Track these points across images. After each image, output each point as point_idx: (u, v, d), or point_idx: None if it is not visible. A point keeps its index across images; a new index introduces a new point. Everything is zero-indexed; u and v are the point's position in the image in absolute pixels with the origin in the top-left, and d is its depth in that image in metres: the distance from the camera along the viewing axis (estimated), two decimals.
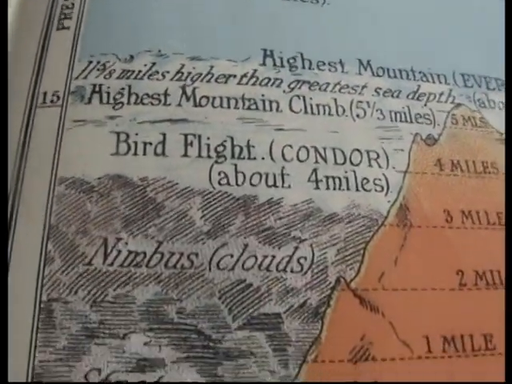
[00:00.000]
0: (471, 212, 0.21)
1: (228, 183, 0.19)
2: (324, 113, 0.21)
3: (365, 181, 0.20)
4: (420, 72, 0.23)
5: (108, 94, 0.20)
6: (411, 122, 0.21)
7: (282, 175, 0.19)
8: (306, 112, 0.21)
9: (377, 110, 0.21)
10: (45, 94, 0.20)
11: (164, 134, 0.19)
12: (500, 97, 0.23)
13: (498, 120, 0.23)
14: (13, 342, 0.17)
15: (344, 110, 0.21)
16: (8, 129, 0.19)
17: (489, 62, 0.24)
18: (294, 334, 0.18)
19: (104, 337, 0.17)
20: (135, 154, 0.19)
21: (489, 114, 0.22)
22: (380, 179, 0.20)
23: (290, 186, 0.19)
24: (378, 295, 0.19)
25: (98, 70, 0.20)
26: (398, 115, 0.21)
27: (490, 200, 0.21)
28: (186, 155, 0.19)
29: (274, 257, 0.18)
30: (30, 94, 0.20)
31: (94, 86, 0.20)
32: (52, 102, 0.20)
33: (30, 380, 0.16)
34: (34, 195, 0.18)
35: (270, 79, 0.21)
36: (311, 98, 0.21)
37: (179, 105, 0.20)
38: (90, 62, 0.20)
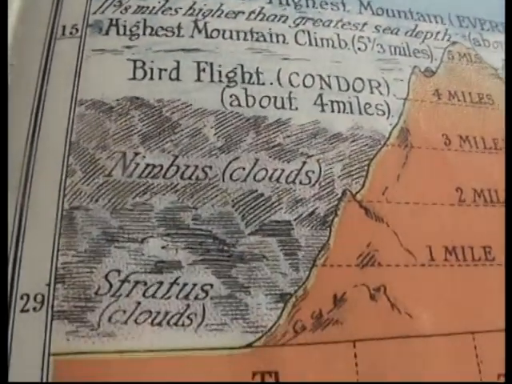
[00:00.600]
0: (468, 137, 0.21)
1: (239, 105, 0.20)
2: (328, 45, 0.21)
3: (367, 105, 0.21)
4: (417, 13, 0.24)
5: (124, 26, 0.21)
6: (410, 56, 0.22)
7: (290, 98, 0.20)
8: (310, 44, 0.21)
9: (377, 45, 0.22)
10: (64, 27, 0.21)
11: (178, 62, 0.20)
12: (494, 37, 0.24)
13: (492, 57, 0.23)
14: (36, 247, 0.18)
15: (346, 44, 0.22)
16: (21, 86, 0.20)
17: (484, 5, 0.25)
18: (303, 240, 0.18)
19: (123, 241, 0.18)
20: (151, 78, 0.20)
21: (483, 52, 0.23)
22: (381, 104, 0.21)
23: (297, 109, 0.20)
24: (382, 207, 0.19)
25: (115, 5, 0.21)
26: (398, 49, 0.22)
27: (486, 127, 0.22)
28: (198, 80, 0.20)
29: (283, 170, 0.19)
30: (50, 28, 0.21)
31: (111, 20, 0.21)
32: (71, 33, 0.21)
33: (53, 280, 0.17)
34: (56, 116, 0.19)
35: (276, 15, 0.22)
36: (315, 33, 0.22)
37: (192, 36, 0.21)
38: None
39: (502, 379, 0.18)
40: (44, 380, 0.16)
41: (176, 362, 0.17)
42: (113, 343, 0.16)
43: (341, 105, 0.20)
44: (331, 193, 0.19)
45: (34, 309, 0.17)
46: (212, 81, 0.20)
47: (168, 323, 0.17)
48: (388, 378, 0.17)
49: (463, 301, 0.19)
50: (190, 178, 0.18)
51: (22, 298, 0.17)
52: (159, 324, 0.17)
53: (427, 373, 0.18)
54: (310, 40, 0.21)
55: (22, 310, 0.17)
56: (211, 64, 0.20)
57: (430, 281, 0.19)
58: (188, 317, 0.17)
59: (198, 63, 0.20)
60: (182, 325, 0.17)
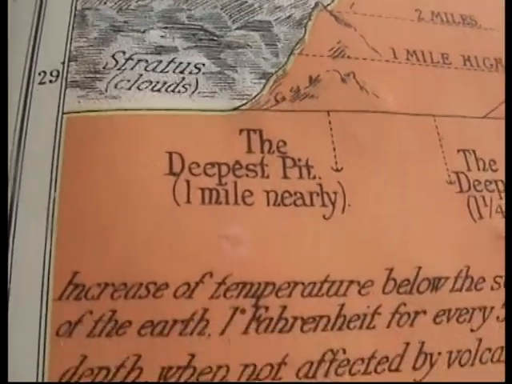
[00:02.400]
0: None
1: None
2: None
3: None
4: None
5: None
6: None
7: None
8: None
9: None
10: None
11: None
12: None
13: None
14: (53, 36, 0.19)
15: None
16: None
17: None
18: (282, 35, 0.20)
19: (128, 31, 0.19)
20: None
21: None
22: None
23: None
24: (350, 16, 0.21)
25: None
26: None
27: None
28: None
29: None
30: None
31: None
32: None
33: (67, 59, 0.19)
34: None
35: None
36: None
37: None
38: None
39: (461, 154, 0.20)
40: (57, 138, 0.18)
41: (173, 119, 0.18)
42: (118, 104, 0.18)
43: None
44: (305, 3, 0.21)
45: (50, 81, 0.19)
46: None
47: (166, 90, 0.18)
48: (359, 143, 0.19)
49: (425, 89, 0.20)
50: None
51: (39, 74, 0.19)
52: (158, 90, 0.18)
53: (395, 144, 0.20)
54: None
55: (40, 83, 0.19)
56: None
57: (394, 73, 0.20)
58: (183, 86, 0.19)
59: None
60: (178, 92, 0.19)
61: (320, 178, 0.18)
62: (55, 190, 0.17)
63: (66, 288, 0.16)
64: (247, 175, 0.18)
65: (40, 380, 0.15)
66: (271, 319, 0.16)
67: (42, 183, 0.17)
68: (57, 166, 0.17)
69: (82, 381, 0.15)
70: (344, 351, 0.16)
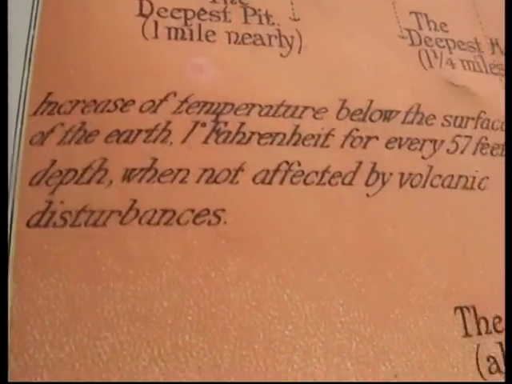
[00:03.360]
0: None
1: None
2: None
3: None
4: None
5: None
6: None
7: None
8: None
9: None
10: None
11: None
12: None
13: None
14: None
15: None
16: None
17: None
18: None
19: None
20: None
21: None
22: None
23: None
24: None
25: None
26: None
27: None
28: None
29: None
30: None
31: None
32: None
33: None
34: None
35: None
36: None
37: None
38: None
39: (413, 15, 0.21)
40: None
41: None
42: None
43: None
44: None
45: None
46: None
47: None
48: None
49: None
50: None
51: None
52: None
53: (349, 2, 0.21)
54: None
55: None
56: None
57: None
58: None
59: None
60: None
61: (278, 25, 0.19)
62: (34, 29, 0.18)
63: (40, 105, 0.17)
64: (210, 19, 0.19)
65: (13, 183, 0.16)
66: (230, 132, 0.17)
67: (22, 23, 0.18)
68: (36, 9, 0.19)
69: (50, 181, 0.16)
70: (299, 163, 0.17)
